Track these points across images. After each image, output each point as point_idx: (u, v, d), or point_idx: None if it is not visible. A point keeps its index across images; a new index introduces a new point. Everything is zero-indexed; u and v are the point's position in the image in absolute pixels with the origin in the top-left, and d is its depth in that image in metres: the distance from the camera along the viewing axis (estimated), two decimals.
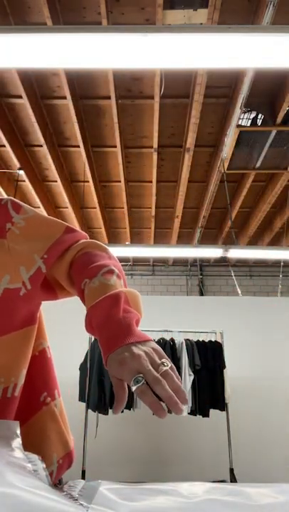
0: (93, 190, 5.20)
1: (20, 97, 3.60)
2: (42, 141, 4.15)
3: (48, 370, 0.78)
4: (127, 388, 0.55)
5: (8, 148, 4.19)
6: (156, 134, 4.16)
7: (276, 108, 3.65)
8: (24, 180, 4.90)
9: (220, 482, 1.21)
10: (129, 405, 3.44)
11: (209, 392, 3.57)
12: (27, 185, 4.98)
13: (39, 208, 5.50)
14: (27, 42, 1.63)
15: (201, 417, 3.50)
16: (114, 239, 6.98)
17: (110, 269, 0.67)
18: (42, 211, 5.53)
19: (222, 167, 4.39)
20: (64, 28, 1.68)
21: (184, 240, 6.81)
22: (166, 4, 2.78)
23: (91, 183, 5.04)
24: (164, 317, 4.28)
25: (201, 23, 2.87)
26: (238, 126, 3.74)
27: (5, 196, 0.80)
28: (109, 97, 3.68)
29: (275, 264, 7.53)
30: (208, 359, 3.67)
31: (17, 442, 0.49)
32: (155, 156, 4.53)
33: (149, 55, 1.69)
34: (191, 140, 4.12)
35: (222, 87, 3.63)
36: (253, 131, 3.83)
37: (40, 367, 0.76)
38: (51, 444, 0.72)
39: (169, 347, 3.62)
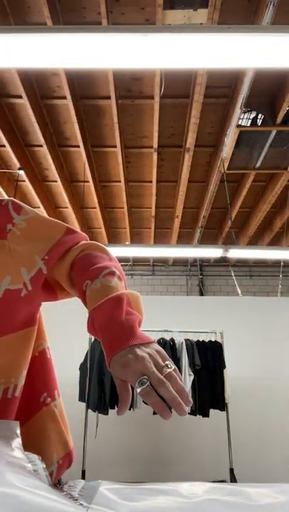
0: (93, 190, 5.20)
1: (20, 97, 3.61)
2: (42, 141, 4.15)
3: (47, 371, 0.78)
4: (130, 389, 0.55)
5: (8, 148, 4.19)
6: (156, 134, 4.16)
7: (276, 108, 3.65)
8: (24, 180, 4.90)
9: (220, 482, 1.21)
10: (130, 405, 3.44)
11: (209, 392, 3.57)
12: (27, 185, 4.98)
13: (39, 208, 5.50)
14: (27, 42, 1.63)
15: (201, 417, 3.50)
16: (114, 239, 6.98)
17: (112, 270, 0.67)
18: (42, 211, 5.53)
19: (222, 167, 4.39)
20: (64, 28, 1.68)
21: (184, 239, 6.81)
22: (166, 4, 2.78)
23: (91, 183, 5.04)
24: (164, 317, 4.28)
25: (201, 23, 2.87)
26: (238, 126, 3.74)
27: (5, 197, 0.80)
28: (109, 97, 3.68)
29: (275, 264, 7.53)
30: (208, 359, 3.67)
31: (17, 442, 0.49)
32: (155, 156, 4.53)
33: (149, 55, 1.69)
34: (191, 140, 4.12)
35: (222, 87, 3.63)
36: (253, 131, 3.83)
37: (40, 367, 0.76)
38: (51, 444, 0.72)
39: (169, 347, 3.62)
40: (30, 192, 5.21)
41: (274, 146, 4.06)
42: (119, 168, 4.76)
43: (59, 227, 0.76)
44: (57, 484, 0.72)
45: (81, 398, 3.69)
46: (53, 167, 4.62)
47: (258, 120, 3.78)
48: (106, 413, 3.51)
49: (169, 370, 0.53)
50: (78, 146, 4.36)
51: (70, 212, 5.78)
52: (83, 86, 3.69)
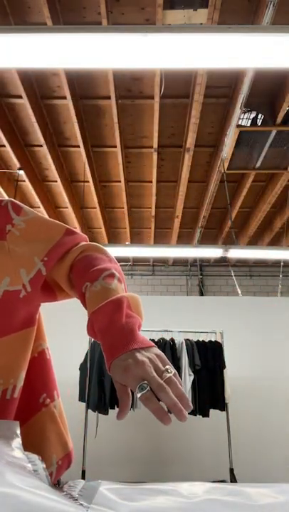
0: (93, 190, 5.20)
1: (20, 97, 3.61)
2: (42, 141, 4.15)
3: (47, 372, 0.78)
4: (130, 394, 0.55)
5: (8, 148, 4.19)
6: (156, 134, 4.16)
7: (276, 108, 3.65)
8: (24, 180, 4.90)
9: (220, 482, 1.21)
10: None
11: (209, 392, 3.57)
12: (27, 185, 4.98)
13: (39, 208, 5.50)
14: (27, 42, 1.63)
15: (201, 417, 3.50)
16: (114, 239, 6.98)
17: (111, 272, 0.67)
18: (42, 211, 5.53)
19: (222, 167, 4.39)
20: (64, 28, 1.68)
21: (184, 240, 6.81)
22: (166, 4, 2.78)
23: (91, 183, 5.04)
24: (164, 317, 4.28)
25: (201, 23, 2.87)
26: (238, 126, 3.74)
27: (5, 197, 0.80)
28: (109, 97, 3.68)
29: (275, 264, 7.53)
30: (208, 359, 3.67)
31: (17, 442, 0.49)
32: (155, 156, 4.53)
33: (149, 55, 1.69)
34: (191, 140, 4.12)
35: (222, 87, 3.63)
36: (253, 131, 3.83)
37: (39, 368, 0.76)
38: (50, 445, 0.72)
39: (169, 347, 3.62)
40: (30, 192, 5.21)
41: (274, 146, 4.06)
42: (119, 168, 4.76)
43: (59, 228, 0.76)
44: (56, 485, 0.72)
45: (81, 398, 3.69)
46: (53, 167, 4.62)
47: (258, 120, 3.78)
48: (106, 413, 3.51)
49: (169, 374, 0.53)
50: (78, 146, 4.36)
51: (70, 212, 5.78)
52: (83, 86, 3.69)
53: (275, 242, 6.70)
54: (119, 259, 7.32)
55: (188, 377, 3.50)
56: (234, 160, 4.35)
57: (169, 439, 4.05)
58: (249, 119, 3.76)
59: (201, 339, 3.83)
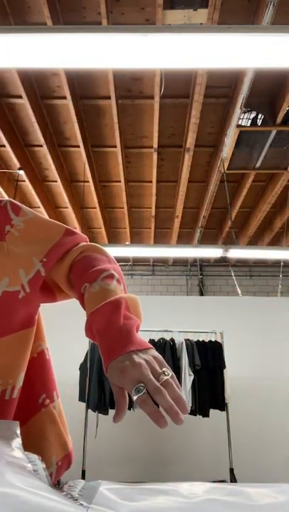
0: (93, 190, 5.20)
1: (20, 97, 3.61)
2: (42, 141, 4.15)
3: (46, 372, 0.78)
4: (127, 396, 0.54)
5: (8, 148, 4.19)
6: (156, 134, 4.16)
7: (276, 108, 3.65)
8: (24, 180, 4.90)
9: (220, 482, 1.21)
10: (129, 406, 3.44)
11: (209, 392, 3.57)
12: (27, 185, 4.98)
13: (39, 208, 5.50)
14: (27, 42, 1.63)
15: (201, 417, 3.50)
16: (114, 239, 6.98)
17: (110, 273, 0.66)
18: (42, 211, 5.53)
19: (222, 167, 4.39)
20: (64, 28, 1.68)
21: (184, 239, 6.81)
22: (166, 4, 2.78)
23: (91, 183, 5.04)
24: (164, 317, 4.28)
25: (201, 23, 2.87)
26: (238, 126, 3.74)
27: (5, 197, 0.80)
28: (109, 97, 3.68)
29: (275, 264, 7.53)
30: (208, 359, 3.67)
31: (17, 442, 0.49)
32: (155, 156, 4.53)
33: (149, 55, 1.69)
34: (191, 140, 4.12)
35: (222, 87, 3.63)
36: (253, 131, 3.83)
37: (38, 369, 0.76)
38: (50, 446, 0.72)
39: (169, 347, 3.62)
40: (30, 192, 5.21)
41: (274, 146, 4.06)
42: (119, 168, 4.76)
43: (58, 229, 0.76)
44: (56, 485, 0.72)
45: (81, 398, 3.69)
46: (53, 167, 4.62)
47: (258, 120, 3.78)
48: (106, 413, 3.51)
49: (166, 377, 0.53)
50: (78, 146, 4.36)
51: (70, 212, 5.78)
52: (83, 86, 3.69)
53: (275, 242, 6.70)
54: (119, 259, 7.32)
55: (188, 377, 3.50)
56: (234, 160, 4.35)
57: (169, 439, 4.05)
58: (249, 119, 3.76)
59: (201, 339, 3.82)
